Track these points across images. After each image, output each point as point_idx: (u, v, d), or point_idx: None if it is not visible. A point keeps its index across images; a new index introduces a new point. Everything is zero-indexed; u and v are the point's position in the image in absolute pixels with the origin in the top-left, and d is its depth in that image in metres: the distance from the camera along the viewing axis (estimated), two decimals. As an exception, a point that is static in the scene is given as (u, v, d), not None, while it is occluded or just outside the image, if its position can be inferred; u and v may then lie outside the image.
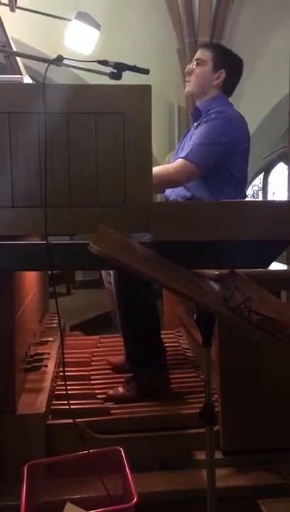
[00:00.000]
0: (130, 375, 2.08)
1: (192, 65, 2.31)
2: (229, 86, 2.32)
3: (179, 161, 2.11)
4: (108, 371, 2.32)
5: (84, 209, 1.37)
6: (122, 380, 2.12)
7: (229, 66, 2.29)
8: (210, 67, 2.26)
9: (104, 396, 2.04)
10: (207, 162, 2.09)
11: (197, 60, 2.30)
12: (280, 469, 1.72)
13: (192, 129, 2.36)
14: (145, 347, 2.08)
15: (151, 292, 2.06)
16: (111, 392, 2.02)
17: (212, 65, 2.26)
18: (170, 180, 2.13)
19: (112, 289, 2.15)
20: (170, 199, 2.29)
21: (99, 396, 2.05)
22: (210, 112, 2.18)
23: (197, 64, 2.28)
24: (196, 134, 2.15)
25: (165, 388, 2.06)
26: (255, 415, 1.77)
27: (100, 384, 2.18)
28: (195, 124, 2.32)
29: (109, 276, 2.26)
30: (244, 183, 2.28)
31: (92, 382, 2.21)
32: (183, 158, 2.10)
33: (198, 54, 2.32)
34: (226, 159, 2.13)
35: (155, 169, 2.09)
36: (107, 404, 1.96)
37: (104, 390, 2.09)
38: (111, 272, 2.11)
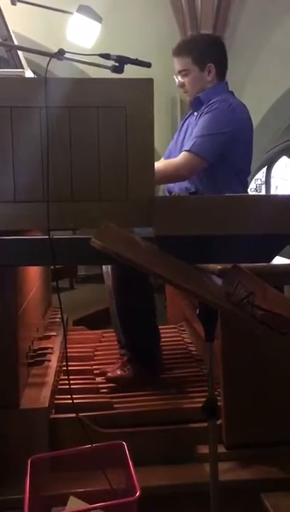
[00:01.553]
0: (126, 357, 2.12)
1: (180, 80, 2.26)
2: (222, 68, 2.28)
3: (184, 155, 2.08)
4: (111, 365, 2.32)
5: (87, 204, 1.37)
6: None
7: (211, 54, 2.23)
8: (196, 71, 2.21)
9: (107, 390, 2.05)
10: (212, 153, 2.06)
11: (180, 72, 2.24)
12: (283, 463, 1.73)
13: (191, 118, 2.31)
14: (142, 340, 2.12)
15: (148, 287, 2.07)
16: (109, 374, 2.07)
17: (197, 68, 2.20)
18: (176, 175, 2.11)
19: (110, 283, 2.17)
20: (173, 192, 2.28)
21: (102, 390, 2.05)
22: (212, 101, 2.14)
23: (184, 75, 2.23)
24: (198, 126, 2.12)
25: (157, 377, 2.11)
26: (258, 409, 1.77)
27: (103, 378, 2.18)
28: (195, 113, 2.27)
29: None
30: (247, 173, 2.25)
31: (95, 376, 2.21)
32: (187, 151, 2.06)
33: (178, 65, 2.24)
34: (230, 150, 2.10)
35: (159, 164, 2.08)
36: (110, 398, 1.97)
37: (107, 384, 2.10)
38: (110, 274, 2.12)
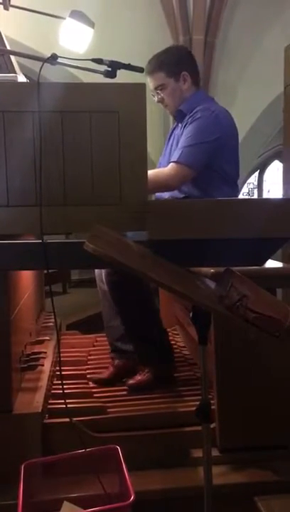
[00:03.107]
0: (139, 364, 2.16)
1: (158, 96, 2.28)
2: (195, 76, 2.30)
3: (172, 166, 2.11)
4: (105, 370, 2.32)
5: (80, 208, 1.37)
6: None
7: (183, 63, 2.26)
8: (171, 83, 2.24)
9: (100, 395, 2.04)
10: (200, 162, 2.09)
11: (156, 88, 2.27)
12: (276, 466, 1.73)
13: (177, 130, 2.33)
14: (149, 341, 2.13)
15: (144, 289, 2.07)
16: (130, 381, 2.10)
17: (172, 80, 2.24)
18: (165, 185, 2.13)
19: (105, 288, 2.17)
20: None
21: (95, 395, 2.05)
22: (195, 110, 2.17)
23: (161, 90, 2.26)
24: (184, 136, 2.15)
25: (173, 374, 2.17)
26: (251, 412, 1.77)
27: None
28: (179, 125, 2.31)
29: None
30: (236, 178, 2.27)
31: (89, 381, 2.21)
32: (175, 162, 2.09)
33: (153, 83, 2.27)
34: (216, 156, 2.13)
35: (149, 174, 2.09)
36: (104, 403, 1.96)
37: (101, 389, 2.10)
38: (104, 276, 2.12)
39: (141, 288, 2.04)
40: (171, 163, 2.12)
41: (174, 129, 2.40)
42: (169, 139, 2.41)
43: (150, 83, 2.27)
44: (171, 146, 2.34)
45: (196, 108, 2.17)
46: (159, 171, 2.20)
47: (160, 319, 2.23)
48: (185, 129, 2.17)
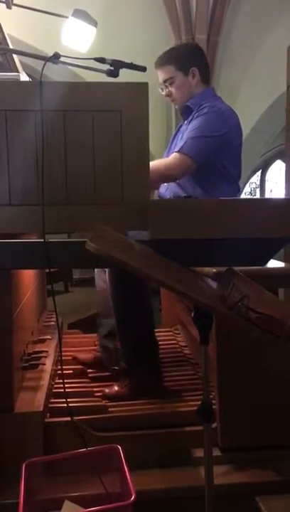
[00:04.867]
0: (124, 373, 2.11)
1: (166, 89, 2.29)
2: (205, 72, 2.31)
3: (174, 155, 2.11)
4: (106, 368, 2.32)
5: (82, 207, 1.37)
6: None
7: (193, 58, 2.28)
8: (180, 76, 2.25)
9: (102, 396, 2.04)
10: (202, 155, 2.09)
11: (165, 81, 2.28)
12: (277, 466, 1.73)
13: (183, 126, 2.34)
14: (140, 346, 2.09)
15: (146, 291, 2.06)
16: (106, 390, 2.05)
17: (181, 74, 2.25)
18: (167, 175, 2.13)
19: (106, 287, 2.17)
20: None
21: (97, 394, 2.05)
22: (202, 106, 2.17)
23: (169, 83, 2.27)
24: (189, 129, 2.15)
25: (159, 386, 2.09)
26: (253, 412, 1.77)
27: (98, 382, 2.18)
28: (185, 121, 2.31)
29: (104, 274, 2.27)
30: (238, 177, 2.28)
31: (90, 380, 2.21)
32: (177, 152, 2.09)
33: (162, 76, 2.28)
34: (219, 153, 2.13)
35: (151, 165, 2.10)
36: (105, 402, 1.96)
37: (103, 388, 2.10)
38: (106, 271, 2.12)
39: (143, 289, 2.03)
40: (174, 153, 2.12)
41: (181, 126, 2.40)
42: (176, 134, 2.42)
43: (159, 76, 2.29)
44: (176, 140, 2.34)
45: (203, 104, 2.18)
46: (161, 161, 2.20)
47: (154, 326, 2.21)
48: (191, 123, 2.17)
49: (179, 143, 2.19)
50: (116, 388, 2.05)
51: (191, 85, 2.26)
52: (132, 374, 2.07)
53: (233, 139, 2.18)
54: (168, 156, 2.36)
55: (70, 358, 2.39)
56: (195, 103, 2.23)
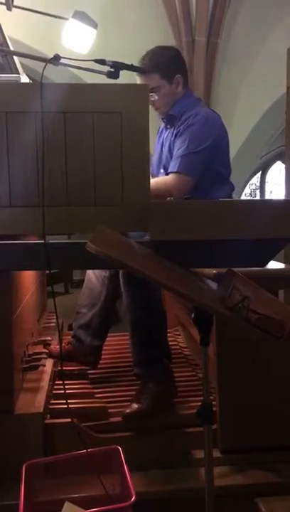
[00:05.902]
0: (138, 387, 1.99)
1: (151, 98, 2.24)
2: (186, 77, 2.30)
3: (173, 176, 2.12)
4: (106, 370, 2.32)
5: (82, 208, 1.37)
6: (120, 377, 2.14)
7: (176, 65, 2.25)
8: (166, 85, 2.22)
9: (102, 395, 2.04)
10: (199, 169, 2.12)
11: (150, 90, 2.21)
12: (278, 467, 1.73)
13: (166, 133, 2.33)
14: (153, 347, 2.06)
15: (158, 293, 2.05)
16: (127, 410, 1.86)
17: (165, 82, 2.22)
18: (169, 196, 2.13)
19: (96, 283, 2.19)
20: None
21: (97, 395, 2.05)
22: (185, 117, 2.18)
23: (154, 92, 2.23)
24: (179, 144, 2.16)
25: (174, 395, 2.01)
26: (253, 414, 1.77)
27: (98, 383, 2.18)
28: (167, 126, 2.31)
29: (103, 272, 2.27)
30: (228, 175, 2.30)
31: (91, 381, 2.21)
32: (175, 172, 2.11)
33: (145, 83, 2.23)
34: (211, 160, 2.16)
35: (151, 182, 2.09)
36: (105, 403, 1.96)
37: (103, 389, 2.09)
38: (120, 275, 2.07)
39: (155, 290, 2.02)
40: (171, 174, 2.14)
41: (162, 130, 2.40)
42: (159, 139, 2.41)
43: (141, 83, 2.23)
44: (162, 147, 2.35)
45: (186, 113, 2.18)
46: (159, 181, 2.19)
47: (167, 329, 2.17)
48: (179, 138, 2.17)
49: (169, 158, 2.20)
50: (135, 406, 1.87)
51: (175, 93, 2.25)
52: (147, 386, 1.95)
53: (221, 141, 2.20)
54: (154, 162, 2.40)
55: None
56: (177, 110, 2.24)
